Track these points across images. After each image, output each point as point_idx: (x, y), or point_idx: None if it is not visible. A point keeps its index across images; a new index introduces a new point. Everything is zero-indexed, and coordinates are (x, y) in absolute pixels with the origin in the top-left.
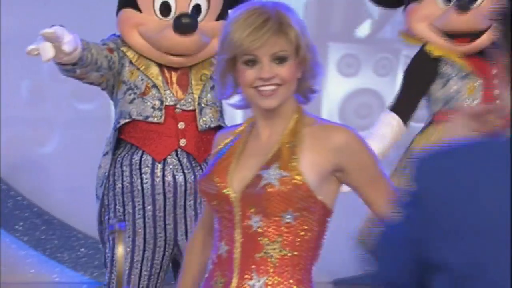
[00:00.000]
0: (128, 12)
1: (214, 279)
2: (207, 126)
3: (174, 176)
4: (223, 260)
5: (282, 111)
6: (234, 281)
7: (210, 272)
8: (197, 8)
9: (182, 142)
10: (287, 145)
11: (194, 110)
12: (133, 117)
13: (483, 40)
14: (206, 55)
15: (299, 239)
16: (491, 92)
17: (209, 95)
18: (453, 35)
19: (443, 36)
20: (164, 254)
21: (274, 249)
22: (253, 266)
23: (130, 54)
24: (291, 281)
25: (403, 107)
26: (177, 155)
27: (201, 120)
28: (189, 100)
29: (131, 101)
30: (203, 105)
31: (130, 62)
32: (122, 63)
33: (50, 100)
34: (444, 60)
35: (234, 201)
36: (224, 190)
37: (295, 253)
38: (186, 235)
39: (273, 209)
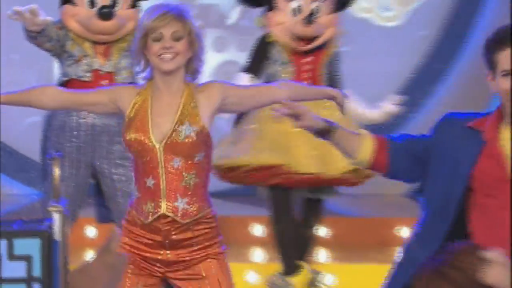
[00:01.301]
0: (67, 7)
1: (144, 205)
2: (123, 82)
3: (93, 119)
4: (151, 190)
5: (176, 80)
6: (163, 203)
7: (137, 200)
8: (114, 0)
9: None
10: (189, 106)
11: (113, 72)
12: (71, 77)
13: (315, 43)
14: (123, 33)
15: (203, 170)
16: (300, 79)
17: (124, 61)
18: (299, 38)
19: (291, 37)
20: (85, 173)
21: (190, 179)
22: (177, 192)
23: (71, 33)
24: (202, 199)
25: (251, 70)
26: None
27: (118, 78)
28: (110, 65)
29: (70, 65)
30: (120, 67)
31: (72, 38)
32: (65, 38)
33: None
34: (276, 47)
35: (158, 151)
36: (150, 144)
37: (202, 180)
38: (102, 160)
39: (190, 153)
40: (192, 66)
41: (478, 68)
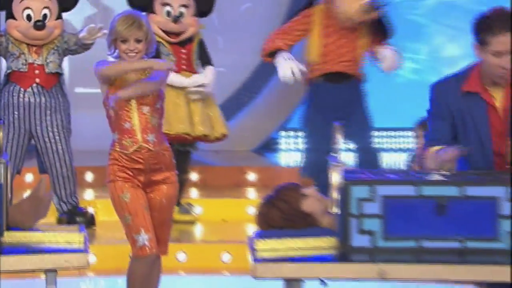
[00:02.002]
0: (10, 21)
1: (123, 141)
2: (51, 71)
3: (29, 98)
4: (128, 131)
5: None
6: (139, 137)
7: (118, 140)
8: (45, 15)
9: (37, 80)
10: (145, 71)
11: (43, 64)
12: (13, 69)
13: (182, 37)
14: (52, 38)
15: (161, 114)
16: (180, 65)
17: (51, 57)
18: (170, 32)
19: (167, 33)
20: (24, 138)
21: (155, 120)
22: (147, 130)
23: (13, 38)
24: (161, 134)
25: None
26: (35, 87)
27: (47, 69)
28: (41, 59)
29: (12, 61)
30: (48, 61)
31: (12, 42)
32: (8, 42)
33: None
34: (161, 44)
35: (132, 103)
36: (125, 97)
37: (161, 121)
38: (36, 127)
39: (154, 102)
40: (147, 51)
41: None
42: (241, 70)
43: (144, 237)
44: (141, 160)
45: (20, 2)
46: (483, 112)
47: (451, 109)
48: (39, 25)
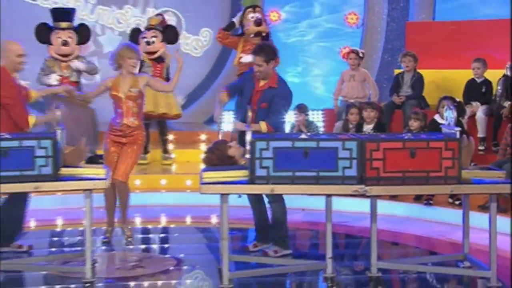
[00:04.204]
0: (50, 46)
1: (117, 120)
2: (73, 80)
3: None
4: (119, 113)
5: (125, 73)
6: (125, 119)
7: (114, 118)
8: (67, 40)
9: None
10: (134, 81)
11: (68, 76)
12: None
13: (154, 56)
14: (74, 55)
15: (140, 106)
16: (155, 75)
17: (74, 71)
18: (148, 52)
19: (146, 53)
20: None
21: (136, 109)
22: (129, 115)
23: (50, 60)
24: (139, 118)
25: None
26: None
27: (71, 78)
28: (66, 72)
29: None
30: (72, 74)
31: (49, 65)
32: (45, 63)
33: None
34: (144, 61)
35: (123, 98)
36: (120, 95)
37: (140, 110)
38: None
39: (136, 99)
40: (136, 65)
41: None
42: (195, 77)
43: (109, 173)
44: (123, 130)
45: (55, 34)
46: (251, 86)
47: (241, 84)
48: (64, 43)
